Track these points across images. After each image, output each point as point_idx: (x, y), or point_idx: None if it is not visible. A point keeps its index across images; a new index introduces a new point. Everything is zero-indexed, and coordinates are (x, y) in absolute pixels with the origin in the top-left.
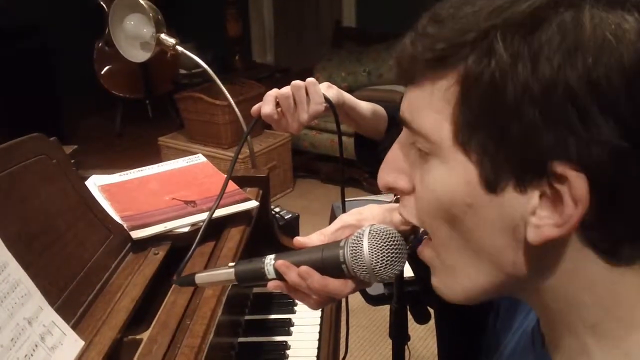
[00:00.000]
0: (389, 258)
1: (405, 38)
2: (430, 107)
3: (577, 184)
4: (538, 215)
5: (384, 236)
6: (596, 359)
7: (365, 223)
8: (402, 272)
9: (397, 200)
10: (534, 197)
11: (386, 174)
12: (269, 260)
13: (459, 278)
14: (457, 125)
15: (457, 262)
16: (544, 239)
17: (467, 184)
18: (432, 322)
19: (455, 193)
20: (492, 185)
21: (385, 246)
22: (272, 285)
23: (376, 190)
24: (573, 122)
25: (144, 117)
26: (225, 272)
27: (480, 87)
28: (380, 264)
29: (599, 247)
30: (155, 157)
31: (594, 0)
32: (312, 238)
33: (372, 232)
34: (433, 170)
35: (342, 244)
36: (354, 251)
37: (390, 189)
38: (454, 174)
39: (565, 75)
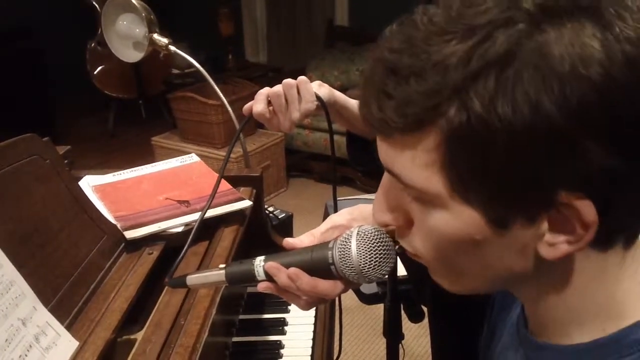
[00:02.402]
0: (377, 259)
1: (365, 91)
2: (416, 165)
3: (585, 210)
4: (549, 236)
5: (372, 237)
6: (575, 340)
7: (354, 223)
8: (395, 271)
9: None
10: (543, 223)
11: (382, 215)
12: (259, 261)
13: (458, 284)
14: (450, 181)
15: (459, 277)
16: (560, 256)
17: (474, 226)
18: (426, 320)
19: (462, 234)
20: (500, 224)
21: (373, 247)
22: (262, 287)
23: (370, 189)
24: (565, 153)
25: (137, 117)
26: (216, 273)
27: (466, 143)
28: (369, 265)
29: (596, 241)
30: (148, 157)
31: (550, 22)
32: (301, 239)
33: (360, 233)
34: (435, 216)
35: (330, 245)
36: (342, 252)
37: (389, 227)
38: (458, 219)
39: (545, 110)
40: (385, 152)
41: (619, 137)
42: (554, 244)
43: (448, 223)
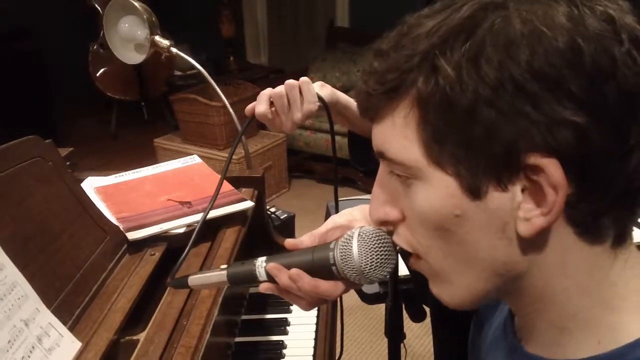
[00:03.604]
0: (378, 260)
1: (359, 77)
2: (396, 135)
3: (551, 170)
4: (524, 208)
5: (373, 238)
6: (568, 348)
7: (355, 224)
8: (396, 270)
9: None
10: (516, 192)
11: (376, 211)
12: (261, 262)
13: (456, 287)
14: (425, 144)
15: (453, 274)
16: (536, 229)
17: (451, 197)
18: (427, 320)
19: (443, 208)
20: (474, 191)
21: (374, 248)
22: (264, 288)
23: (370, 190)
24: (529, 112)
25: (139, 118)
26: (218, 274)
27: (435, 104)
28: (370, 265)
29: (580, 225)
30: (150, 158)
31: (517, 0)
32: (303, 240)
33: (361, 234)
34: (417, 192)
35: (332, 246)
36: (343, 253)
37: (384, 223)
38: (437, 191)
39: (509, 72)
40: (375, 134)
41: (584, 100)
42: (529, 218)
43: (429, 196)
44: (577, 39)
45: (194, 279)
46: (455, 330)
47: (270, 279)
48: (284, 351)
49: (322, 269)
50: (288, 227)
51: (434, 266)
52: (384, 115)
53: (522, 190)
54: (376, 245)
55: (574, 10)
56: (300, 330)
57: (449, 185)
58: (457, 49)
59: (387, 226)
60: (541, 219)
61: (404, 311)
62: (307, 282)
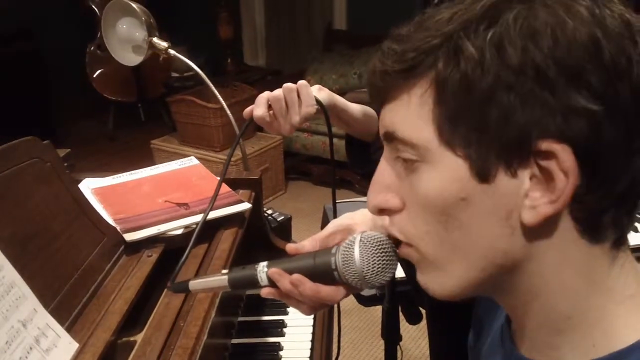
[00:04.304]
0: (380, 265)
1: (373, 60)
2: (410, 114)
3: (564, 156)
4: (531, 196)
5: (374, 243)
6: (563, 351)
7: (356, 228)
8: (394, 273)
9: None
10: (525, 179)
11: (375, 196)
12: (262, 267)
13: (448, 276)
14: (438, 124)
15: (447, 261)
16: (541, 217)
17: (459, 180)
18: (423, 322)
19: (449, 191)
20: (483, 174)
21: (376, 253)
22: (265, 292)
23: (367, 192)
24: (547, 99)
25: (136, 120)
26: (219, 279)
27: (455, 85)
28: (372, 271)
29: (583, 224)
30: (147, 160)
31: None
32: (304, 244)
33: (363, 239)
34: (423, 175)
35: (333, 251)
36: (345, 258)
37: (382, 211)
38: (444, 174)
39: (531, 57)
40: (386, 115)
41: (599, 87)
42: (535, 207)
43: (436, 179)
44: (598, 35)
45: (195, 284)
46: (451, 332)
47: (272, 283)
48: (281, 353)
49: (323, 273)
50: (285, 229)
51: (428, 254)
52: (398, 94)
53: (531, 178)
54: (378, 250)
55: (596, 9)
56: (296, 332)
57: (458, 168)
58: (481, 33)
59: (384, 215)
60: (548, 207)
61: (401, 313)
62: (309, 287)
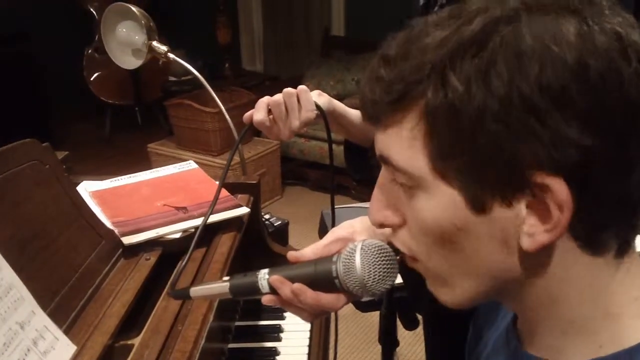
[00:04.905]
0: (381, 273)
1: (363, 82)
2: (402, 145)
3: (558, 189)
4: (528, 223)
5: (375, 251)
6: (569, 352)
7: (357, 236)
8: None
9: None
10: (521, 208)
11: (376, 214)
12: (263, 274)
13: (455, 290)
14: (431, 157)
15: (451, 276)
16: (539, 245)
17: (454, 210)
18: (420, 328)
19: (445, 220)
20: (478, 206)
21: (377, 261)
22: (266, 300)
23: (364, 198)
24: (537, 130)
25: (133, 123)
26: (220, 286)
27: (443, 118)
28: (373, 279)
29: (582, 239)
30: (144, 163)
31: (528, 12)
32: (305, 252)
33: (364, 247)
34: (419, 202)
35: (334, 259)
36: (346, 266)
37: (383, 226)
38: (440, 203)
39: (517, 87)
40: (379, 140)
41: (590, 117)
42: (532, 234)
43: (432, 208)
44: (586, 57)
45: (196, 291)
46: (448, 338)
47: (273, 291)
48: (278, 358)
49: (324, 281)
50: (282, 234)
51: (432, 269)
52: (390, 123)
53: (527, 206)
54: (379, 258)
55: (584, 27)
56: (293, 337)
57: (453, 198)
58: (467, 62)
59: (385, 228)
60: (545, 235)
61: (398, 319)
62: (310, 296)
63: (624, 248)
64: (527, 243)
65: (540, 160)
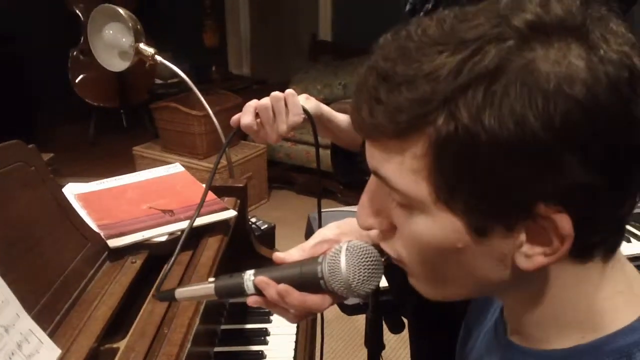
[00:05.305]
0: (365, 274)
1: (358, 99)
2: (404, 170)
3: (561, 223)
4: (527, 246)
5: (360, 253)
6: (555, 345)
7: (343, 238)
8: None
9: None
10: (521, 233)
11: (366, 218)
12: (249, 276)
13: (440, 291)
14: (435, 186)
15: (439, 284)
16: (536, 266)
17: (454, 233)
18: (406, 331)
19: (444, 242)
20: (480, 232)
21: (362, 262)
22: (252, 301)
23: (350, 202)
24: (546, 168)
25: (118, 126)
26: (205, 287)
27: (452, 151)
28: (358, 279)
29: (574, 254)
30: (129, 166)
31: (538, 39)
32: (291, 253)
33: (349, 248)
34: (417, 222)
35: (320, 260)
36: (331, 267)
37: (372, 229)
38: (440, 227)
39: (530, 126)
40: (374, 155)
41: (599, 156)
42: (530, 256)
43: (431, 230)
44: (597, 95)
45: (181, 292)
46: (432, 341)
47: (258, 292)
48: None
49: (310, 282)
50: (269, 238)
51: (421, 276)
52: (391, 147)
53: (527, 231)
54: (364, 259)
55: (592, 57)
56: (280, 340)
57: (454, 224)
58: (479, 96)
59: (372, 230)
60: (543, 259)
61: (383, 322)
62: (296, 297)
63: (611, 253)
64: (523, 263)
65: (548, 194)
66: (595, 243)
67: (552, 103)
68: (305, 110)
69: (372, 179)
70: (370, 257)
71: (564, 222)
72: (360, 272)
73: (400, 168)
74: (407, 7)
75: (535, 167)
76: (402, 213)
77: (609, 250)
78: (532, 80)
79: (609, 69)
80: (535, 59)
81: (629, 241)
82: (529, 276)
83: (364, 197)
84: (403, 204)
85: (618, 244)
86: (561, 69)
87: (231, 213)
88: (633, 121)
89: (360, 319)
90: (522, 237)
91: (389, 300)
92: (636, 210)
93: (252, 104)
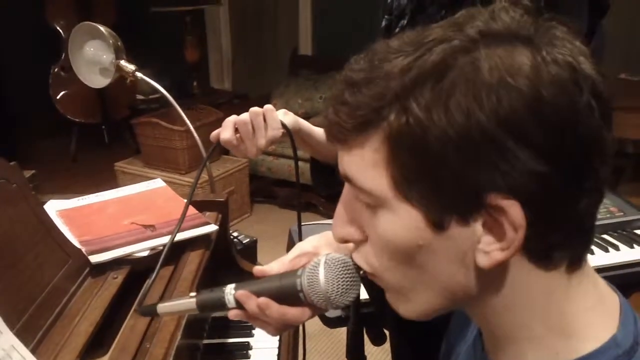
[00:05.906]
0: (344, 286)
1: (328, 104)
2: (365, 166)
3: (512, 211)
4: (484, 241)
5: (339, 265)
6: (531, 358)
7: (321, 251)
8: (358, 294)
9: None
10: (477, 227)
11: (340, 229)
12: (230, 289)
13: (413, 303)
14: (393, 180)
15: (411, 292)
16: (494, 263)
17: (416, 229)
18: (388, 343)
19: (407, 238)
20: (438, 225)
21: (340, 275)
22: (233, 314)
23: (332, 214)
24: (494, 158)
25: (99, 142)
26: (187, 302)
27: (405, 144)
28: (336, 291)
29: (535, 256)
30: (111, 182)
31: (485, 42)
32: (271, 266)
33: (327, 261)
34: (382, 220)
35: (299, 273)
36: (310, 280)
37: (346, 241)
38: (402, 222)
39: (475, 118)
40: (342, 159)
41: (545, 146)
42: (488, 252)
43: (394, 226)
44: (540, 87)
45: (163, 307)
46: (414, 352)
47: (239, 306)
48: None
49: (289, 295)
50: (251, 252)
51: (392, 284)
52: (353, 145)
53: (483, 225)
54: (342, 272)
55: (537, 57)
56: (262, 354)
57: (414, 218)
58: (428, 91)
59: (348, 243)
60: (500, 253)
61: (365, 334)
62: (275, 310)
63: (575, 263)
64: (482, 260)
65: (497, 185)
66: (554, 245)
67: (496, 95)
68: (283, 125)
69: (346, 188)
70: (348, 269)
71: (515, 211)
72: (339, 284)
73: (362, 163)
74: (384, 23)
75: (483, 158)
76: (369, 214)
77: (574, 259)
78: (477, 74)
79: (552, 68)
80: (480, 58)
81: (607, 251)
82: (494, 282)
83: (339, 207)
84: (369, 205)
85: (583, 254)
86: (505, 64)
87: (212, 227)
88: (579, 115)
89: (343, 332)
90: (479, 231)
91: (371, 313)
92: (613, 220)
93: (231, 119)
